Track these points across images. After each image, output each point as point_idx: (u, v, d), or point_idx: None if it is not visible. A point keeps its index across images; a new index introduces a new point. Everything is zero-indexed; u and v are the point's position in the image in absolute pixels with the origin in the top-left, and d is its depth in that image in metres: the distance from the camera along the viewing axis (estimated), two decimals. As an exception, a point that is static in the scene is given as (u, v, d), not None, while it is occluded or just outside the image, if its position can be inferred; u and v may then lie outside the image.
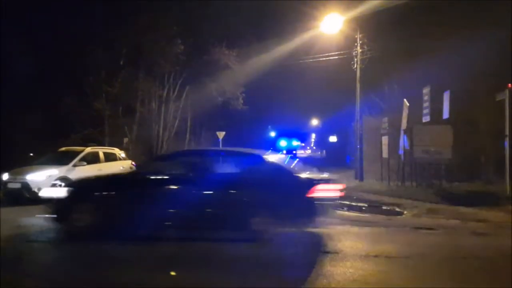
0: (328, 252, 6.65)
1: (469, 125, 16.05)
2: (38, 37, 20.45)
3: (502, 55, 14.95)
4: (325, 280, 5.31)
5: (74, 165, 12.74)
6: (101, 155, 13.84)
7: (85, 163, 13.00)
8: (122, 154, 14.99)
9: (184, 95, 28.41)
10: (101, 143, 19.99)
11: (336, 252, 6.66)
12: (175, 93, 27.89)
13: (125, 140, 25.76)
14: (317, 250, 6.82)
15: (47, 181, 12.00)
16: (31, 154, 17.63)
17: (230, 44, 26.32)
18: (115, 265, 6.00)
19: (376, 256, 6.48)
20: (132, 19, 21.85)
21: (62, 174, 12.34)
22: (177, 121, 28.98)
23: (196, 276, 5.55)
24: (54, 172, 12.31)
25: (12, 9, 19.24)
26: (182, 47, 24.16)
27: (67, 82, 21.13)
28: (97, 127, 23.02)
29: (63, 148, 14.16)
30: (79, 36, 20.10)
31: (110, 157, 14.20)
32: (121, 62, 23.39)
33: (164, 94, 27.22)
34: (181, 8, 23.52)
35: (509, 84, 14.71)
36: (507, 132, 12.18)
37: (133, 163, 14.99)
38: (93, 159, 13.50)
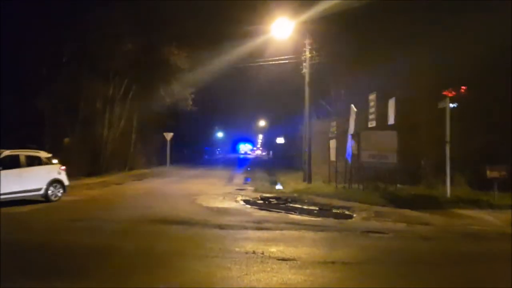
0: (286, 259, 6.68)
1: (411, 130, 16.84)
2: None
3: (442, 64, 15.84)
4: (287, 290, 5.32)
5: None
6: (22, 159, 12.60)
7: (0, 167, 11.80)
8: (54, 160, 13.72)
9: (131, 94, 27.58)
10: (40, 144, 18.83)
11: (294, 259, 6.71)
12: (121, 92, 27.00)
13: (66, 140, 24.57)
14: (273, 256, 6.84)
15: None
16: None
17: (180, 44, 25.89)
18: None
19: (333, 262, 6.61)
20: (79, 15, 20.83)
21: None
22: (122, 121, 28.07)
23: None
24: None
25: None
26: (130, 45, 23.43)
27: (4, 78, 19.71)
28: (37, 127, 21.68)
29: None
30: (19, 29, 18.82)
31: (33, 161, 12.99)
32: (64, 59, 22.22)
33: (110, 93, 26.26)
34: (131, 7, 22.76)
35: (445, 92, 15.65)
36: (447, 138, 12.91)
37: (62, 167, 13.81)
38: (11, 163, 12.25)
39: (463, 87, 13.11)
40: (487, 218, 10.62)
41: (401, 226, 9.87)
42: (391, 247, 8.03)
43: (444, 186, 13.33)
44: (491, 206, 11.87)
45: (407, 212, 11.53)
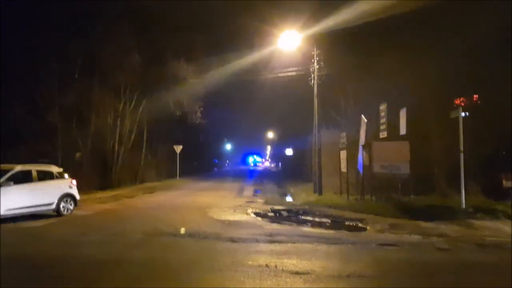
0: (300, 273, 6.57)
1: (423, 140, 16.64)
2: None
3: (453, 74, 15.72)
4: (303, 305, 5.21)
5: None
6: (34, 174, 12.66)
7: (12, 183, 11.82)
8: (66, 175, 13.80)
9: (141, 108, 27.77)
10: (52, 158, 19.00)
11: (308, 273, 6.59)
12: (132, 106, 27.20)
13: (77, 154, 24.74)
14: (287, 270, 6.73)
15: None
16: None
17: (189, 57, 26.05)
18: None
19: (348, 276, 6.50)
20: (88, 29, 21.16)
21: None
22: (133, 135, 28.21)
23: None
24: None
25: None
26: (140, 59, 23.64)
27: (17, 91, 20.02)
28: (49, 141, 21.89)
29: None
30: (32, 44, 19.16)
31: (45, 176, 13.07)
32: (76, 74, 22.51)
33: (120, 107, 26.47)
34: (140, 20, 23.04)
35: (456, 100, 15.44)
36: (461, 148, 12.72)
37: (73, 181, 13.83)
38: (24, 178, 12.36)
39: (475, 95, 12.96)
40: (505, 229, 10.37)
41: (416, 238, 9.67)
42: (407, 259, 7.85)
43: (458, 195, 13.08)
44: (508, 216, 11.61)
45: (422, 223, 11.31)
